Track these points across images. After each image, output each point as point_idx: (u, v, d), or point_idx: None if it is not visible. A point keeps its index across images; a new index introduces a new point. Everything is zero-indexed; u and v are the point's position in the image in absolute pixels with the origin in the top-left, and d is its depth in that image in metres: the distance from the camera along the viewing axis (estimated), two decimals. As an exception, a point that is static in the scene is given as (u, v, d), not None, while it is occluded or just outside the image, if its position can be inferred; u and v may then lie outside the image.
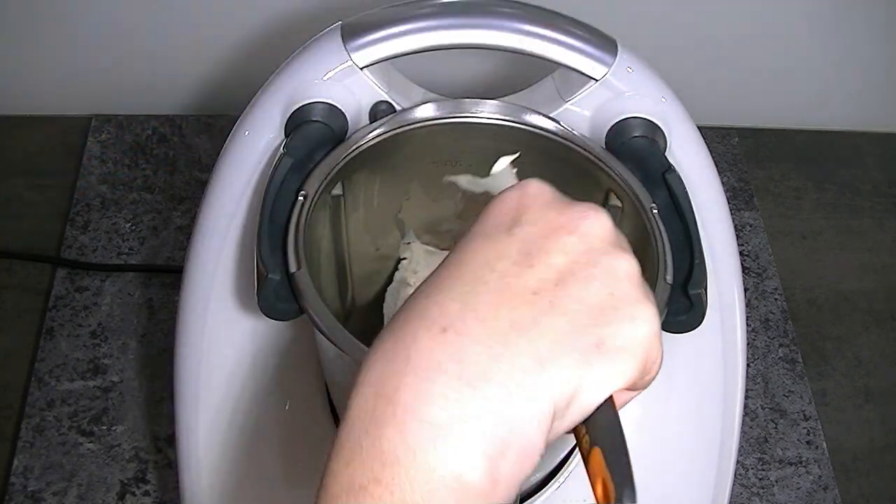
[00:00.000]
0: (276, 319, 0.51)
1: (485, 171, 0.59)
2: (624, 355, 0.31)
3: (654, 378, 0.33)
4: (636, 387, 0.33)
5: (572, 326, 0.31)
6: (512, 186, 0.35)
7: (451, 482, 0.28)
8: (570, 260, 0.32)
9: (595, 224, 0.33)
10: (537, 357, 0.30)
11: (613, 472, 0.31)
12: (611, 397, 0.32)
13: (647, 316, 0.32)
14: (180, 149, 0.97)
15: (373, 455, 0.29)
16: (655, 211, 0.56)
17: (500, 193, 0.35)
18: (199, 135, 0.97)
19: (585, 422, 0.32)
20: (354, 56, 0.60)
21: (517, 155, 0.59)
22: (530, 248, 0.32)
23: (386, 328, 0.32)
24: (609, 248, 0.33)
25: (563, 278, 0.32)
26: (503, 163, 0.58)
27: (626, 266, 0.33)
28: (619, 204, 0.58)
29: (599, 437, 0.32)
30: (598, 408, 0.32)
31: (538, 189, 0.35)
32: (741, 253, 0.88)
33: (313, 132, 0.59)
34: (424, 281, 0.33)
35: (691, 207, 0.56)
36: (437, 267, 0.34)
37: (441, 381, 0.29)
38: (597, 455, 0.31)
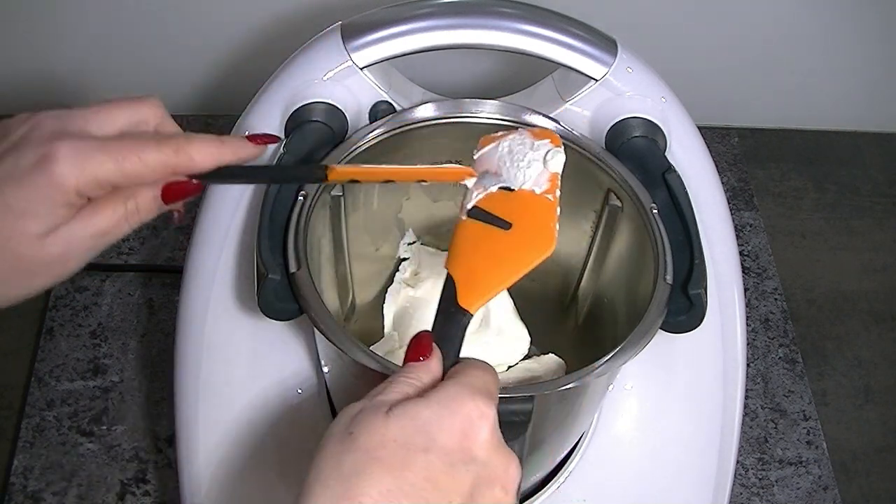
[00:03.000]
0: (276, 319, 0.51)
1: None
2: None
3: None
4: None
5: None
6: (477, 407, 0.38)
7: None
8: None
9: (516, 475, 0.39)
10: None
11: None
12: None
13: None
14: (180, 149, 0.96)
15: None
16: (655, 211, 0.56)
17: (460, 405, 0.38)
18: (199, 135, 0.97)
19: None
20: (354, 56, 0.60)
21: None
22: (475, 491, 0.37)
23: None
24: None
25: None
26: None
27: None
28: (619, 204, 0.58)
29: None
30: None
31: (491, 427, 0.38)
32: (741, 253, 0.88)
33: (313, 132, 0.59)
34: (383, 462, 0.36)
35: (691, 207, 0.56)
36: (399, 461, 0.36)
37: None
38: None
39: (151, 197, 0.42)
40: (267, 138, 0.46)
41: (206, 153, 0.42)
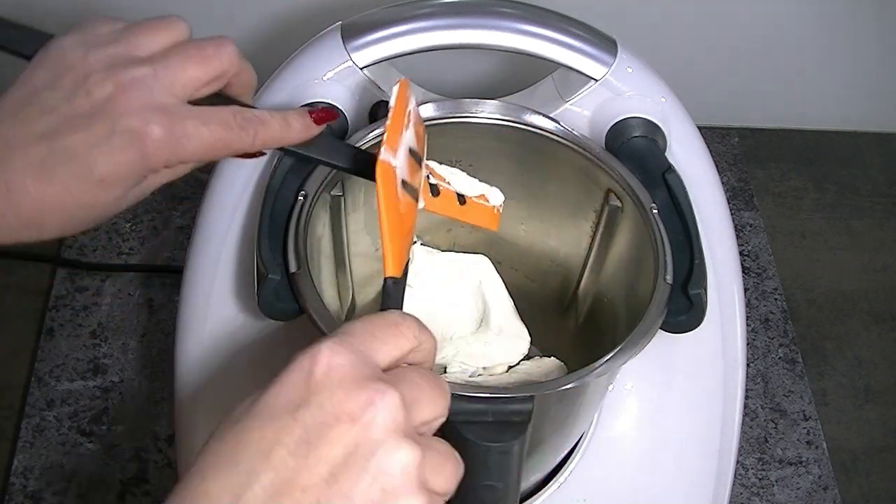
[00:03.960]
0: (276, 319, 0.51)
1: (485, 170, 0.59)
2: None
3: None
4: None
5: None
6: (305, 353, 0.33)
7: None
8: (347, 452, 0.31)
9: (381, 412, 0.32)
10: None
11: None
12: None
13: None
14: (180, 149, 0.96)
15: None
16: (655, 211, 0.56)
17: (293, 361, 0.34)
18: (199, 135, 0.97)
19: None
20: (354, 56, 0.60)
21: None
22: (310, 437, 0.31)
23: None
24: (390, 438, 0.32)
25: (336, 473, 0.31)
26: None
27: (403, 458, 0.32)
28: (619, 204, 0.58)
29: None
30: None
31: (330, 362, 0.33)
32: (741, 253, 0.88)
33: (313, 132, 0.58)
34: (203, 451, 0.33)
35: (691, 207, 0.56)
36: (217, 438, 0.33)
37: None
38: None
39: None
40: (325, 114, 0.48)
41: (271, 139, 0.45)
